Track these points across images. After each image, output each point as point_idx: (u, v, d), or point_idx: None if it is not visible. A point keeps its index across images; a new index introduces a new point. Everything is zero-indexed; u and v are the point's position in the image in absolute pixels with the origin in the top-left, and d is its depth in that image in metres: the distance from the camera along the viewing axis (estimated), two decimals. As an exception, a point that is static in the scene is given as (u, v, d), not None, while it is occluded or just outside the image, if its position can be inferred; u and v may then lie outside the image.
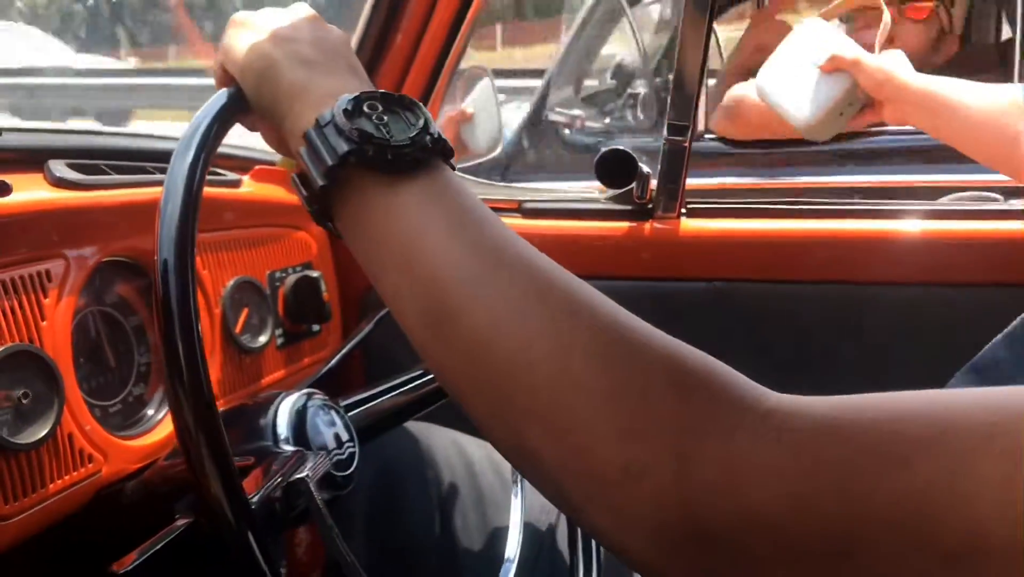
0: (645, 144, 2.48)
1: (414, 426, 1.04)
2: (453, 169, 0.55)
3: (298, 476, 0.68)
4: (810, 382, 1.20)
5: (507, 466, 1.02)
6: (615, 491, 0.41)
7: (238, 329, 1.03)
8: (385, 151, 0.52)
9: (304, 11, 0.66)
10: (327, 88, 0.57)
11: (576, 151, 2.59)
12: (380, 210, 0.52)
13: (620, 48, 2.84)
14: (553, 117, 2.77)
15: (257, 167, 1.19)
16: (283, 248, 1.14)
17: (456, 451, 1.05)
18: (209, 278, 1.00)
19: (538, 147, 2.71)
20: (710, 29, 1.15)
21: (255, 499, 0.64)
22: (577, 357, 0.44)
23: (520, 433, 0.45)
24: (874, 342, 1.22)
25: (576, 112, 2.74)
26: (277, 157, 1.25)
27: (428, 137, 0.53)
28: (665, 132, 1.20)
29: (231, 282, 1.03)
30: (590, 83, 2.89)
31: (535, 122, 2.61)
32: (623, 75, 2.80)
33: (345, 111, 0.53)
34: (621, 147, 1.22)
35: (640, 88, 2.71)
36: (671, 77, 1.17)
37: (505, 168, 2.88)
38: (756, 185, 1.89)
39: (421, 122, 0.54)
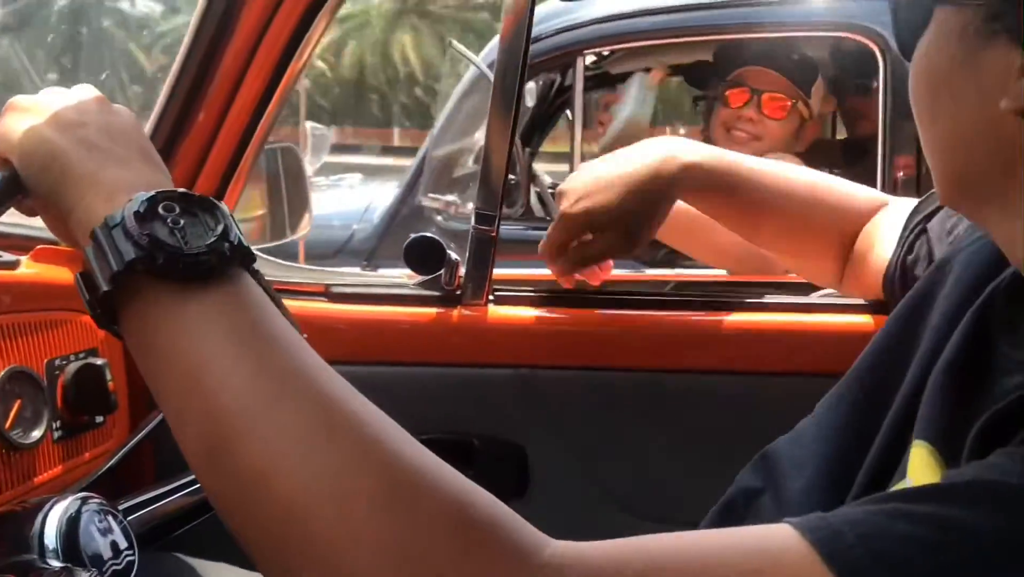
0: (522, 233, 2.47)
1: (158, 558, 0.95)
2: (254, 275, 0.52)
3: None
4: (615, 469, 1.23)
5: None
6: None
7: (8, 425, 0.94)
8: (177, 260, 0.48)
9: (89, 93, 0.61)
10: (119, 180, 0.53)
11: (449, 238, 2.58)
12: (166, 324, 0.48)
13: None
14: (426, 203, 2.68)
15: (39, 247, 1.11)
16: (65, 334, 1.06)
17: None
18: (-25, 369, 0.91)
19: (409, 233, 2.69)
20: (516, 121, 1.17)
21: None
22: (359, 505, 0.42)
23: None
24: (680, 428, 1.25)
25: (450, 198, 2.66)
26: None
27: (226, 244, 0.50)
28: (473, 221, 1.21)
29: (2, 373, 0.94)
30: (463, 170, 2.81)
31: (406, 207, 2.52)
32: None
33: (136, 213, 0.49)
34: (429, 234, 1.22)
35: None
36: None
37: (371, 254, 2.74)
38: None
39: (220, 227, 0.51)
